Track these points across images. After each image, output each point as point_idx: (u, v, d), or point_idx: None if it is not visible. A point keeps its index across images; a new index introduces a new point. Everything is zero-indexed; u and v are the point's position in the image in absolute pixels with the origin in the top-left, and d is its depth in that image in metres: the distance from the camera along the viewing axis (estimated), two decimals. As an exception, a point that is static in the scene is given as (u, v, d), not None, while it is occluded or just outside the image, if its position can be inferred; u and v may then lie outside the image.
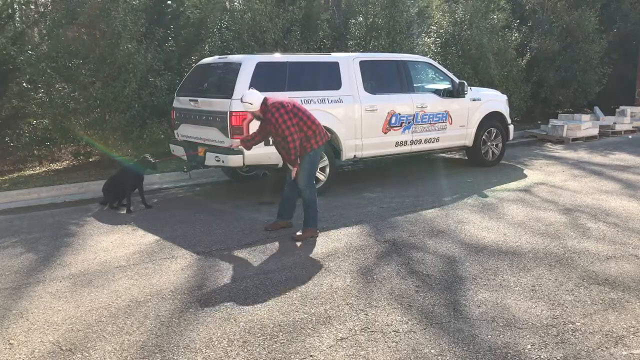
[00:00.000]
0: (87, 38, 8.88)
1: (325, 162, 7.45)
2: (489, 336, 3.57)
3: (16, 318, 3.99)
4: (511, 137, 9.79)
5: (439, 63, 9.82)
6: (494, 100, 9.45)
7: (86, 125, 8.92)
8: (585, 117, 12.73)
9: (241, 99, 5.58)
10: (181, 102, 7.71)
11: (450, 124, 8.67)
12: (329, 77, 7.59)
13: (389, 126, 7.96)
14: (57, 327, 3.83)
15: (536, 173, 8.78)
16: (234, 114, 6.73)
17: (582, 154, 10.56)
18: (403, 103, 8.06)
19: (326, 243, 5.49)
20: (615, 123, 13.42)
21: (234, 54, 9.27)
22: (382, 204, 6.88)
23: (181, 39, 10.27)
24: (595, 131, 12.64)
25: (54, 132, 9.05)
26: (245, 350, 3.47)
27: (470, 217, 6.27)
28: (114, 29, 8.66)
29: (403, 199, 7.15)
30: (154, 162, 7.15)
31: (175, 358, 3.41)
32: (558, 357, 3.31)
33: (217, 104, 6.97)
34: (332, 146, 7.56)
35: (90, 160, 9.73)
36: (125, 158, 8.91)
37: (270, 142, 6.93)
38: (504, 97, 9.80)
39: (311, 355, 3.39)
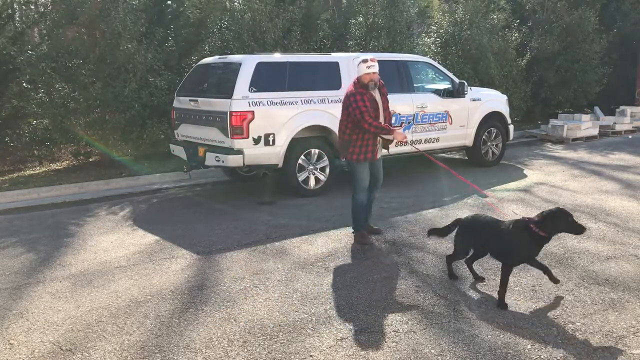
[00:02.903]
0: (87, 38, 8.88)
1: (325, 162, 7.46)
2: (489, 336, 3.57)
3: (16, 318, 3.99)
4: (511, 137, 9.79)
5: (439, 63, 9.82)
6: (494, 100, 9.45)
7: (86, 125, 8.92)
8: (585, 117, 12.72)
9: (368, 59, 5.13)
10: (181, 102, 7.71)
11: (450, 124, 8.67)
12: (329, 77, 7.59)
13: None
14: (57, 327, 3.83)
15: (536, 173, 8.78)
16: (234, 114, 6.73)
17: (582, 154, 10.56)
18: (403, 103, 8.05)
19: (326, 243, 5.49)
20: (615, 123, 13.41)
21: (234, 54, 9.28)
22: (382, 204, 6.86)
23: (181, 39, 10.26)
24: (595, 131, 12.63)
25: (54, 132, 9.05)
26: (245, 350, 3.47)
27: (470, 217, 6.27)
28: (114, 29, 8.66)
29: (403, 199, 7.15)
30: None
31: (175, 358, 3.41)
32: (558, 357, 3.31)
33: (217, 104, 6.97)
34: (332, 146, 7.56)
35: (90, 160, 9.73)
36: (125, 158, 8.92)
37: (271, 142, 6.98)
38: (504, 97, 9.80)
39: (311, 355, 3.39)
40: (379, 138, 5.38)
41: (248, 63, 7.01)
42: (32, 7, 11.20)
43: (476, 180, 8.26)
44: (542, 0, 14.75)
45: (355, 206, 5.46)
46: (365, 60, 5.13)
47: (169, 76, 9.36)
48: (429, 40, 13.21)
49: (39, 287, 4.56)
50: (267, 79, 7.06)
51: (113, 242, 5.68)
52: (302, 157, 7.28)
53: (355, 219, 5.50)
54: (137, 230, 6.09)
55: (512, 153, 10.57)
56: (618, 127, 13.32)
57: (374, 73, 5.14)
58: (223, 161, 6.88)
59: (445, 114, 8.58)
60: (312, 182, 7.42)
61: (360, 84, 5.17)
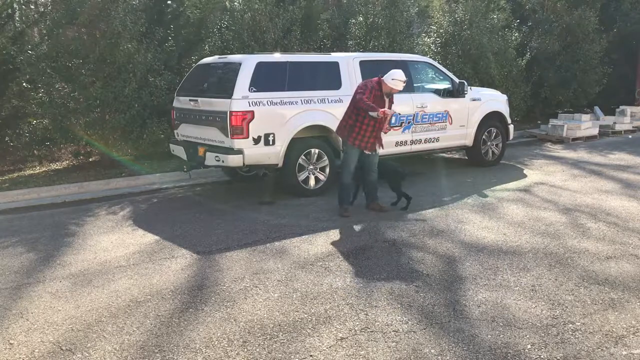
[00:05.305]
0: (87, 38, 8.87)
1: (325, 162, 7.46)
2: (489, 336, 3.57)
3: (16, 318, 3.99)
4: (511, 137, 9.79)
5: (439, 63, 9.82)
6: (494, 100, 9.45)
7: (86, 125, 8.91)
8: (585, 117, 12.72)
9: (399, 78, 6.12)
10: (181, 102, 7.71)
11: (450, 123, 8.67)
12: (329, 77, 7.59)
13: (388, 126, 7.91)
14: (57, 327, 3.83)
15: (536, 173, 8.78)
16: (234, 113, 6.73)
17: (582, 154, 10.56)
18: (403, 103, 8.02)
19: (326, 243, 5.49)
20: (615, 123, 13.42)
21: (234, 54, 9.27)
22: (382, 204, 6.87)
23: (181, 39, 10.26)
24: (595, 131, 12.64)
25: (54, 132, 9.04)
26: (245, 350, 3.47)
27: (470, 217, 6.27)
28: (114, 29, 8.65)
29: (403, 199, 7.13)
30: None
31: (175, 358, 3.41)
32: (558, 357, 3.31)
33: (217, 104, 6.97)
34: (332, 146, 7.56)
35: (90, 160, 9.73)
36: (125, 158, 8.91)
37: (271, 142, 6.97)
38: (504, 97, 9.79)
39: (311, 355, 3.39)
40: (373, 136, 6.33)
41: (248, 63, 7.01)
42: (32, 7, 11.18)
43: (476, 180, 8.29)
44: (542, 0, 14.75)
45: (340, 184, 6.59)
46: (404, 81, 6.19)
47: (169, 76, 9.36)
48: (429, 40, 13.20)
49: (39, 286, 4.56)
50: (267, 79, 7.06)
51: (113, 242, 5.69)
52: (302, 157, 7.28)
53: (340, 195, 6.58)
54: (137, 230, 6.10)
55: (512, 153, 10.57)
56: (618, 127, 13.33)
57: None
58: (223, 161, 6.88)
59: (445, 114, 8.58)
60: (312, 182, 7.42)
61: (382, 89, 6.22)
